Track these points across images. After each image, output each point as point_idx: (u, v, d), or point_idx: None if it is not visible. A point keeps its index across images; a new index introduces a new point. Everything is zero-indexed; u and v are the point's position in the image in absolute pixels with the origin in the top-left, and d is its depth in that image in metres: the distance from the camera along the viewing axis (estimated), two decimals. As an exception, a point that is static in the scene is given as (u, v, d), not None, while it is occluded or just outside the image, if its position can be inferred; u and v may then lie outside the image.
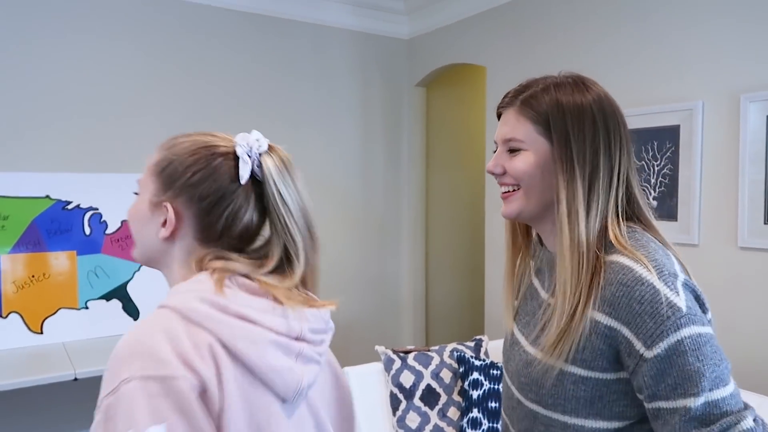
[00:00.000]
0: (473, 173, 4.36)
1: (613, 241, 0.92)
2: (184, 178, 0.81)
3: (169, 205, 0.82)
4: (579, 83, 1.00)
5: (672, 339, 0.84)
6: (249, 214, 0.83)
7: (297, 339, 0.78)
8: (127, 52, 3.14)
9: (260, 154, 0.82)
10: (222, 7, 3.39)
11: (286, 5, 3.58)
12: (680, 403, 0.84)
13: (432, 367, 2.37)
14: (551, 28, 3.08)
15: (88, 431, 3.13)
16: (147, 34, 3.19)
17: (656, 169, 2.61)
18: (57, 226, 2.95)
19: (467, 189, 4.43)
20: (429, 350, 2.44)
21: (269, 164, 0.82)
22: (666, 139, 2.57)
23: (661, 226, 1.00)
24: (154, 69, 3.22)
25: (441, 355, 2.41)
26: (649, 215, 0.99)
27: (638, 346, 0.86)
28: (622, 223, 0.95)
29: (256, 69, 3.53)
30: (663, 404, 0.86)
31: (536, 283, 1.06)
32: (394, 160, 4.12)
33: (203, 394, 0.69)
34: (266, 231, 0.86)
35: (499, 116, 1.06)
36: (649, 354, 0.85)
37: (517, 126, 0.99)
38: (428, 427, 2.24)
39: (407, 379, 2.32)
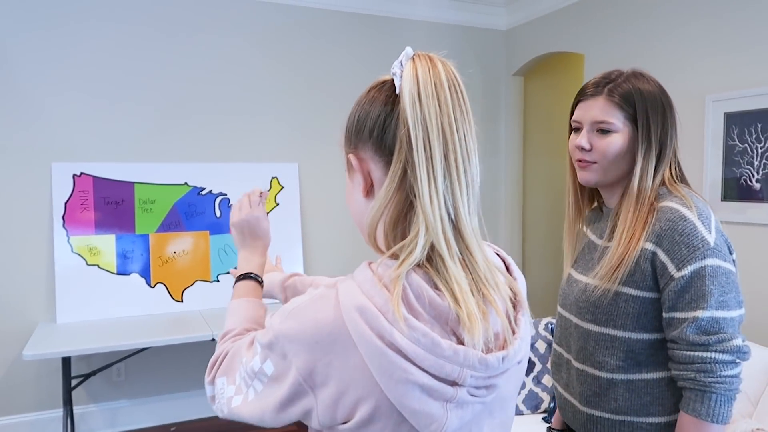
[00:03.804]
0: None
1: (672, 190, 1.18)
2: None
3: (350, 159, 0.77)
4: (646, 77, 1.23)
5: (697, 265, 1.10)
6: (392, 129, 0.71)
7: (453, 384, 0.66)
8: (251, 56, 3.52)
9: (406, 62, 0.71)
10: (326, 8, 3.69)
11: (386, 4, 3.81)
12: (691, 314, 1.09)
13: (528, 338, 2.53)
14: (650, 13, 3.10)
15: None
16: (267, 39, 3.55)
17: (760, 151, 2.60)
18: (193, 209, 3.39)
19: (565, 176, 4.47)
20: (525, 323, 2.61)
21: (407, 69, 0.70)
22: (770, 120, 2.56)
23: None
24: (273, 70, 3.58)
25: (536, 328, 2.56)
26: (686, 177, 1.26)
27: (670, 268, 1.12)
28: (677, 181, 1.23)
29: (356, 66, 3.80)
30: (677, 314, 1.12)
31: (594, 238, 1.31)
32: (492, 149, 4.26)
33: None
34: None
35: (575, 104, 1.29)
36: (677, 274, 1.11)
37: (607, 111, 1.21)
38: (524, 392, 2.41)
39: (504, 348, 2.50)
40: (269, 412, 0.70)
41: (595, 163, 1.23)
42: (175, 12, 3.35)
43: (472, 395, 0.68)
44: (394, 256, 0.69)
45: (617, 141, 1.19)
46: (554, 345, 1.38)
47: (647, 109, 1.18)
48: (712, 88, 2.78)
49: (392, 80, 0.73)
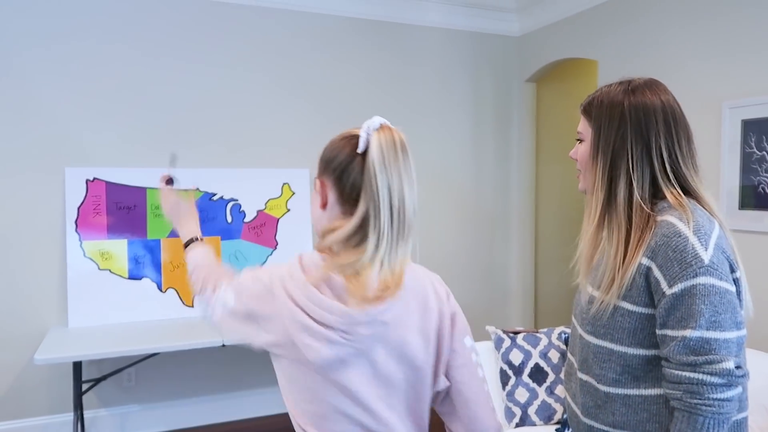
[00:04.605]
0: (584, 167, 4.37)
1: (675, 203, 1.15)
2: (323, 158, 1.09)
3: (317, 180, 1.09)
4: (629, 89, 1.23)
5: (689, 282, 1.07)
6: (354, 178, 1.02)
7: (325, 327, 0.98)
8: (263, 62, 3.53)
9: (372, 131, 1.01)
10: (339, 15, 3.70)
11: (399, 11, 3.82)
12: (680, 332, 1.07)
13: (540, 347, 2.49)
14: (664, 19, 3.07)
15: (231, 390, 3.52)
16: (280, 45, 3.57)
17: (778, 158, 2.56)
18: (205, 215, 3.39)
19: (576, 182, 4.44)
20: (537, 332, 2.57)
21: (374, 138, 1.00)
22: (789, 127, 2.52)
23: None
24: (285, 76, 3.59)
25: (549, 337, 2.53)
26: (699, 189, 1.20)
27: (663, 284, 1.10)
28: (680, 193, 1.18)
29: (368, 72, 3.80)
30: (669, 332, 1.10)
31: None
32: (504, 154, 4.24)
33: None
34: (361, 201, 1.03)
35: None
36: (669, 291, 1.09)
37: (581, 122, 1.30)
38: (536, 402, 2.38)
39: (516, 357, 2.47)
40: None
41: (580, 171, 1.31)
42: (188, 18, 3.37)
43: (343, 338, 0.99)
44: (329, 251, 1.04)
45: (583, 148, 1.28)
46: (568, 353, 1.37)
47: (601, 117, 1.22)
48: (728, 95, 2.74)
49: (358, 136, 1.02)
